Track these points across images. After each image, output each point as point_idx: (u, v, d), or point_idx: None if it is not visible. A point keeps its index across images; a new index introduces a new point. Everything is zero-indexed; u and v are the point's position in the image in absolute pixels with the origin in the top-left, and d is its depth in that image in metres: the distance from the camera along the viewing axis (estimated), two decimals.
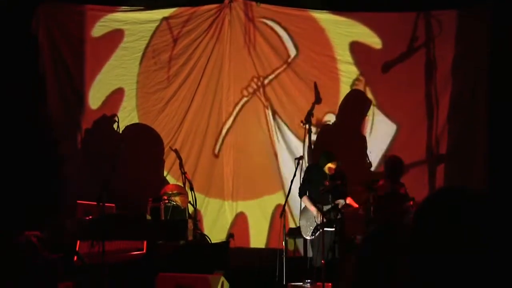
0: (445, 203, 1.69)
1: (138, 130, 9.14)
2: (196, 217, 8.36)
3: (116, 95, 9.17)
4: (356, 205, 7.87)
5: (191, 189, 8.35)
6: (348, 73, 9.08)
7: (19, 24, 8.62)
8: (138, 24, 9.15)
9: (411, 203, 7.62)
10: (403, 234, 2.31)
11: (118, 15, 9.13)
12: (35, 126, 8.68)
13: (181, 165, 8.61)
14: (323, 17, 9.06)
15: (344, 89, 9.13)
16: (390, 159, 8.09)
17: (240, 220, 9.15)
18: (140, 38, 9.16)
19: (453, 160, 8.89)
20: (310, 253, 8.13)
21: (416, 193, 8.11)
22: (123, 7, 9.12)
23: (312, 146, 8.93)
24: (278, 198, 8.98)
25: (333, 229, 7.83)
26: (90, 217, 7.37)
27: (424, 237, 1.67)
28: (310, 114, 8.93)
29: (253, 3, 9.07)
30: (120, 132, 8.73)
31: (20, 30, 8.64)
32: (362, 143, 9.06)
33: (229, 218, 9.12)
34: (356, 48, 9.05)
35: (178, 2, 9.13)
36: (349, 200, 7.94)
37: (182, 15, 9.10)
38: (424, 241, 1.66)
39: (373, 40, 8.99)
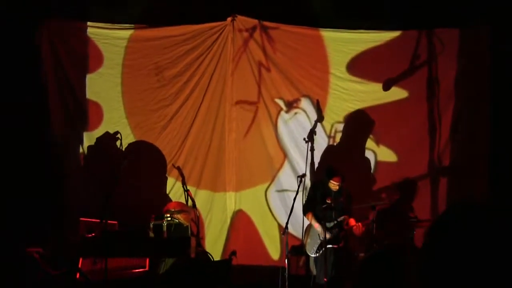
0: (457, 220, 1.69)
1: (141, 148, 9.15)
2: (198, 235, 8.34)
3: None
4: (355, 224, 7.83)
5: (194, 206, 8.33)
6: (350, 91, 9.11)
7: (22, 40, 8.64)
8: (139, 42, 9.20)
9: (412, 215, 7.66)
10: (404, 255, 2.31)
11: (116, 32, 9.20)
12: (38, 141, 8.68)
13: (183, 183, 8.59)
14: (327, 35, 9.10)
15: (345, 106, 9.16)
16: (406, 182, 8.15)
17: (243, 237, 9.15)
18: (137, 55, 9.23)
19: (455, 174, 8.91)
20: (314, 271, 8.10)
21: (418, 207, 8.13)
22: (124, 24, 9.18)
23: (316, 164, 8.94)
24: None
25: (337, 246, 7.82)
26: (93, 234, 7.38)
27: (436, 253, 1.67)
28: (312, 131, 8.94)
29: (256, 20, 9.11)
30: (123, 149, 8.74)
31: (23, 46, 8.67)
32: (366, 162, 9.07)
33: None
34: (357, 65, 9.09)
35: (180, 21, 9.16)
36: (351, 221, 7.89)
37: (186, 33, 9.14)
38: (436, 258, 1.67)
39: (376, 57, 9.05)
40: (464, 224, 1.67)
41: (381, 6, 8.78)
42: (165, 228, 7.89)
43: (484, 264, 1.60)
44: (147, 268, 7.65)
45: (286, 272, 7.56)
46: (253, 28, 9.14)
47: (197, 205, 8.50)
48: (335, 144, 9.17)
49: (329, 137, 9.19)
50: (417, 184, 8.24)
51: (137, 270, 7.62)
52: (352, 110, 9.14)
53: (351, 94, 9.12)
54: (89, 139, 9.15)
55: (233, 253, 8.77)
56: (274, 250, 9.13)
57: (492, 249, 1.61)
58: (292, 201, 7.71)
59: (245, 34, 9.16)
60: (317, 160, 9.00)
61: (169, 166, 9.10)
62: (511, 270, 1.59)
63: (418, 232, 7.74)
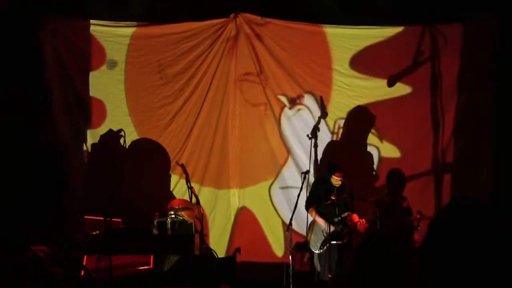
0: (458, 214, 1.70)
1: (144, 145, 9.15)
2: (202, 232, 8.36)
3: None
4: (359, 220, 7.81)
5: (198, 203, 8.35)
6: (353, 87, 9.10)
7: (25, 38, 8.64)
8: (143, 38, 9.21)
9: (418, 216, 7.60)
10: (392, 245, 2.32)
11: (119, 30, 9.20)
12: (41, 139, 8.68)
13: (187, 180, 8.60)
14: (330, 31, 9.09)
15: (349, 102, 9.14)
16: (392, 173, 8.06)
17: (247, 234, 9.15)
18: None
19: (459, 171, 8.90)
20: (318, 267, 8.10)
21: (422, 203, 8.11)
22: (127, 22, 9.19)
23: (319, 161, 8.94)
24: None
25: (340, 242, 7.82)
26: (97, 231, 7.39)
27: (439, 245, 1.68)
28: (316, 128, 8.94)
29: (258, 17, 9.11)
30: (127, 146, 8.76)
31: (25, 44, 8.66)
32: (368, 157, 9.07)
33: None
34: (360, 61, 9.08)
35: (183, 18, 9.15)
36: (355, 217, 7.88)
37: (189, 30, 9.14)
38: (438, 249, 1.68)
39: (379, 52, 9.03)
40: (465, 219, 1.68)
41: (383, 1, 8.76)
42: (169, 225, 7.91)
43: (484, 257, 1.61)
44: (151, 266, 7.65)
45: (291, 268, 7.57)
46: (256, 25, 9.13)
47: (201, 202, 8.54)
48: (338, 140, 9.17)
49: (332, 133, 9.19)
50: (403, 172, 8.10)
51: (141, 268, 7.62)
52: (355, 106, 9.13)
53: (355, 90, 9.11)
54: (92, 136, 9.16)
55: (237, 250, 8.80)
56: (278, 247, 9.14)
57: (493, 243, 1.62)
58: (296, 198, 7.72)
59: (248, 30, 9.16)
60: (320, 156, 8.99)
61: (172, 163, 9.11)
62: (510, 263, 1.60)
63: (422, 226, 7.71)
